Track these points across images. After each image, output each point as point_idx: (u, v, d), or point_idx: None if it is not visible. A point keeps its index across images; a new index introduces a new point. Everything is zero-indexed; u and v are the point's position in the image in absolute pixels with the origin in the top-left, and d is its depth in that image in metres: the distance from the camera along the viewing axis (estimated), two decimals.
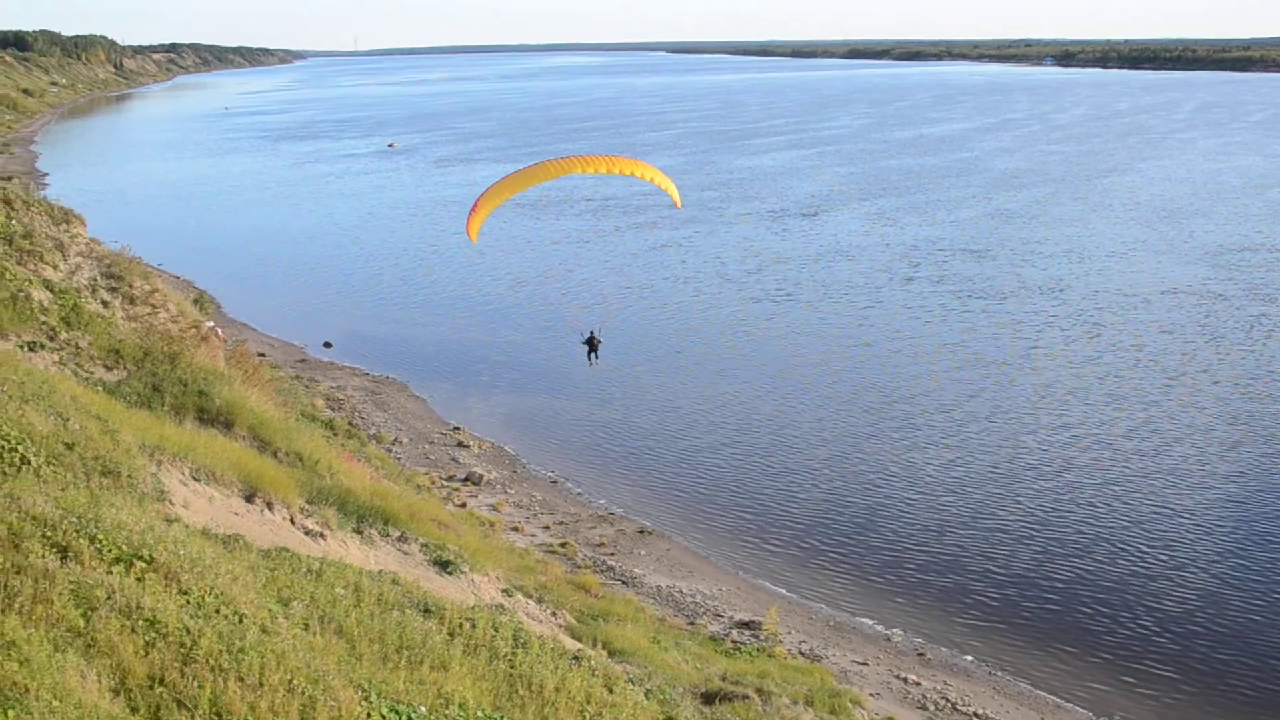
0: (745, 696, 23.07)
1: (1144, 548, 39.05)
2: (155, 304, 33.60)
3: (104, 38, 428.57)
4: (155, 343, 30.28)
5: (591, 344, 38.23)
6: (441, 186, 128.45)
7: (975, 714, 30.19)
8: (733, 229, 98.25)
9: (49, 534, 12.92)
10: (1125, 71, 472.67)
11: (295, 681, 11.99)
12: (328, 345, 65.54)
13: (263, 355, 58.70)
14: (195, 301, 57.49)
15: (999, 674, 32.52)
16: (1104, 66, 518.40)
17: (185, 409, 26.99)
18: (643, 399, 55.69)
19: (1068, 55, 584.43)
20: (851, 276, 79.04)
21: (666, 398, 55.76)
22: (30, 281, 29.57)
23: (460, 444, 49.75)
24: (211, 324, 39.28)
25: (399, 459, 46.21)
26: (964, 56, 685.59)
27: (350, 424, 49.02)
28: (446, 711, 13.40)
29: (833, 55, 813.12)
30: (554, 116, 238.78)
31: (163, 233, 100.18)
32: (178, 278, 78.39)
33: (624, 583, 36.36)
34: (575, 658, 18.77)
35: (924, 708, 30.27)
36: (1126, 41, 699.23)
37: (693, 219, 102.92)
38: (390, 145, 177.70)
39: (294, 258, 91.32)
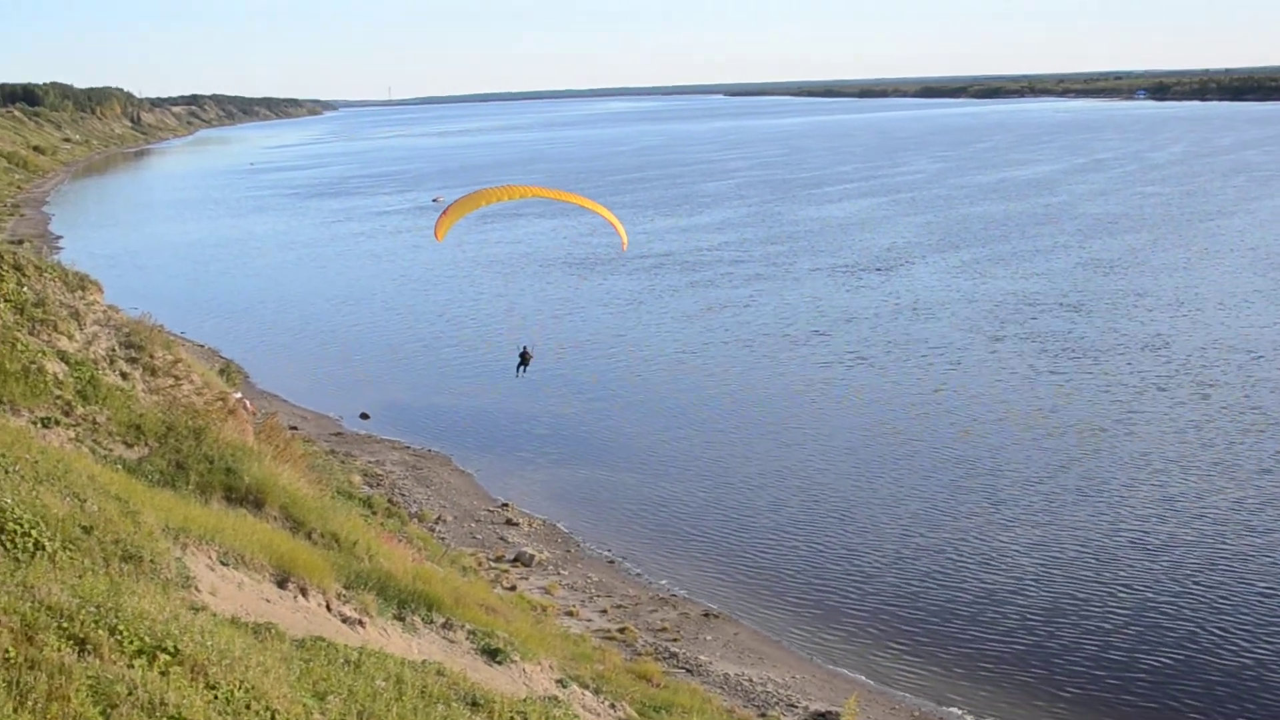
0: None
1: (1256, 634, 38.31)
2: (178, 375, 33.93)
3: (120, 90, 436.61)
4: (179, 417, 30.54)
5: (524, 359, 43.33)
6: (482, 245, 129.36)
7: None
8: (799, 286, 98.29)
9: (65, 625, 12.99)
10: (1227, 104, 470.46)
11: None
12: (364, 417, 65.90)
13: (295, 429, 59.07)
14: (221, 372, 58.04)
15: None
16: (1203, 99, 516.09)
17: (212, 488, 27.17)
18: (703, 472, 55.55)
19: (1162, 88, 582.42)
20: (930, 336, 78.73)
21: (729, 471, 55.59)
22: (44, 353, 29.95)
23: (509, 522, 49.80)
24: (239, 396, 39.56)
25: (443, 539, 46.27)
26: (1048, 92, 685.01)
27: (390, 502, 49.19)
28: None
29: (904, 94, 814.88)
30: (603, 167, 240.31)
31: (185, 298, 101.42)
32: (202, 346, 79.19)
33: (688, 671, 36.11)
34: None
35: None
36: (1227, 71, 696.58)
37: (756, 276, 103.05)
38: (435, 200, 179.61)
39: (326, 324, 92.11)
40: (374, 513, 44.02)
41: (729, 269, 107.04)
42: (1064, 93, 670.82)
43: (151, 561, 18.21)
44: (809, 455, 57.03)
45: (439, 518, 49.57)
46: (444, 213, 35.03)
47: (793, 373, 71.21)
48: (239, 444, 30.62)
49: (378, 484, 53.22)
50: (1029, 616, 40.05)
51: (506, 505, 51.99)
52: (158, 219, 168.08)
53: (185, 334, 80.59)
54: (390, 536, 35.35)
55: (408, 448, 60.52)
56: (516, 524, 49.64)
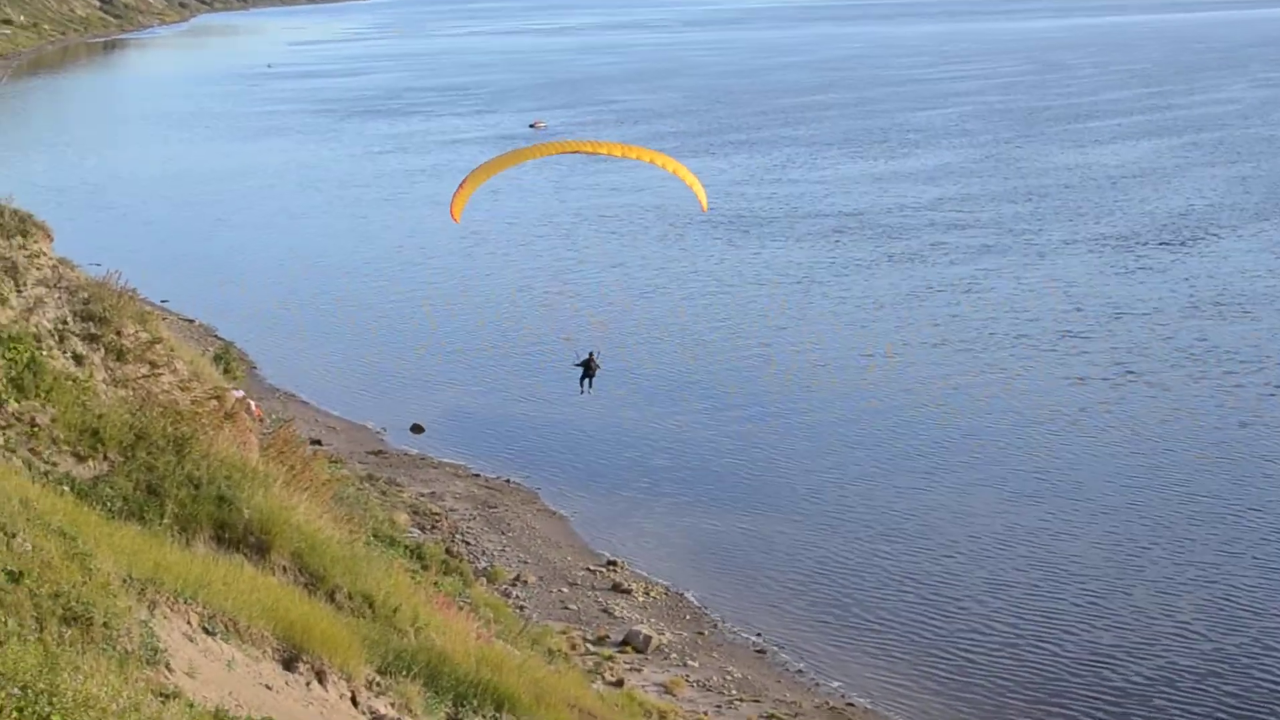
0: None
1: None
2: (156, 361, 34.14)
3: None
4: (154, 421, 30.65)
5: (589, 368, 46.26)
6: (591, 193, 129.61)
7: None
8: (1046, 265, 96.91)
9: None
10: None
11: None
12: (417, 430, 66.48)
13: (318, 443, 59.76)
14: (217, 359, 58.48)
15: None
16: None
17: (197, 523, 27.25)
18: (895, 530, 54.85)
19: None
20: (1242, 344, 76.92)
21: (933, 530, 54.82)
22: None
23: (617, 587, 49.85)
24: (240, 394, 39.81)
25: (522, 608, 46.38)
26: None
27: (449, 552, 49.46)
28: None
29: None
30: (766, 85, 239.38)
31: (168, 254, 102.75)
32: (191, 322, 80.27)
33: None
34: None
35: None
36: None
37: (983, 249, 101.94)
38: (534, 125, 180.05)
39: (365, 298, 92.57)
40: (426, 567, 44.16)
41: (943, 238, 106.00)
42: None
43: (105, 625, 18.27)
44: (1051, 513, 56.01)
45: (518, 578, 49.73)
46: (461, 185, 37.03)
47: (1031, 392, 70.13)
48: (238, 462, 30.70)
49: (432, 526, 53.55)
50: None
51: (614, 564, 52.08)
52: (132, 139, 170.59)
53: (168, 304, 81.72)
54: (447, 602, 35.42)
55: (476, 476, 60.83)
56: (627, 591, 49.62)
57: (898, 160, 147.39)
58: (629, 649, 44.67)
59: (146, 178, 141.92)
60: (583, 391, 47.08)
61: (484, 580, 47.96)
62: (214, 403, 34.13)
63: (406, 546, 46.47)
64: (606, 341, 78.33)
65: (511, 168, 40.08)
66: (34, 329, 32.17)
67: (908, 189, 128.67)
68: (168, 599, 21.43)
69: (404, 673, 24.79)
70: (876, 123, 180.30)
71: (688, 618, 48.05)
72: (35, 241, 35.70)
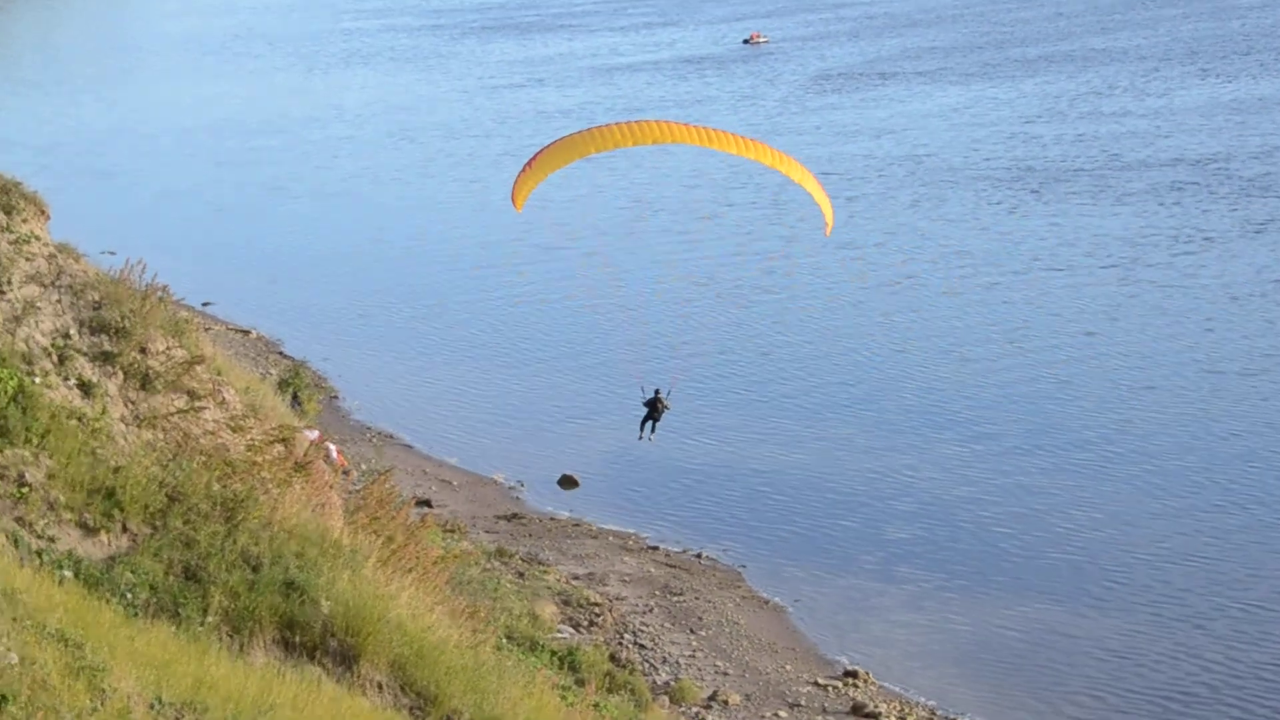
0: None
1: None
2: (197, 390, 34.06)
3: None
4: (195, 475, 30.57)
5: (654, 409, 50.43)
6: (813, 136, 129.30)
7: None
8: None
9: None
10: None
11: None
12: (568, 484, 66.67)
13: (427, 504, 59.84)
14: (283, 386, 58.82)
15: None
16: None
17: (255, 621, 27.12)
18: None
19: None
20: None
21: None
22: None
23: (858, 709, 49.34)
24: (317, 435, 39.88)
25: None
26: None
27: (615, 659, 49.38)
28: None
29: None
30: None
31: (207, 238, 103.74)
32: (246, 334, 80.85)
33: None
34: None
35: None
36: None
37: None
38: (750, 40, 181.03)
39: (486, 299, 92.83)
40: (582, 681, 43.92)
41: None
42: None
43: None
44: None
45: (714, 695, 49.34)
46: (527, 165, 40.19)
47: None
48: (313, 533, 30.59)
49: (591, 622, 53.41)
50: None
51: (854, 675, 51.52)
52: (147, 74, 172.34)
53: (211, 308, 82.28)
54: None
55: (654, 549, 60.64)
56: (874, 715, 49.06)
57: (1271, 81, 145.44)
58: None
59: (169, 129, 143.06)
60: (641, 437, 50.87)
61: (666, 700, 47.67)
62: (279, 448, 34.02)
63: (554, 652, 46.40)
64: (824, 356, 78.46)
65: (591, 155, 43.54)
66: (23, 345, 32.14)
67: (1229, 141, 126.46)
68: None
69: None
70: (1239, 25, 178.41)
71: None
72: (24, 221, 35.69)
